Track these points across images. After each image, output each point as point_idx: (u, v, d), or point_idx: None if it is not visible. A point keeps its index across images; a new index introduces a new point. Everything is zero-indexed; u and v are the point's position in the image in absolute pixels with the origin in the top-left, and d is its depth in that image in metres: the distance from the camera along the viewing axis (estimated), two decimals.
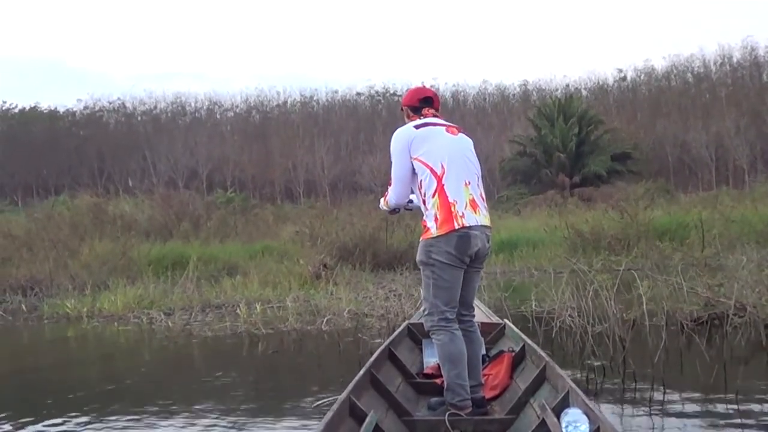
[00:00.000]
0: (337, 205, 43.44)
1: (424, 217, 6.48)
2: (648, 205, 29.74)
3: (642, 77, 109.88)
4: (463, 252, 6.33)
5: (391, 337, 8.64)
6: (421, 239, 6.52)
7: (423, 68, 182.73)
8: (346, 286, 19.66)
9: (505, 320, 9.52)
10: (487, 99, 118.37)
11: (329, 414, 5.45)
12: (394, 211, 7.11)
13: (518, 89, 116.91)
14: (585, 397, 5.64)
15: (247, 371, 11.80)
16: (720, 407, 7.89)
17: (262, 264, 24.91)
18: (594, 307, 10.99)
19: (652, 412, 7.76)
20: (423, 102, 6.87)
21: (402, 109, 7.02)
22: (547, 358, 6.96)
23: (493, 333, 9.02)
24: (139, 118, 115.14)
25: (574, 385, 5.95)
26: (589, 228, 27.23)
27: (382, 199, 7.12)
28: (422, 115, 6.75)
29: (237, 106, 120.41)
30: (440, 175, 6.38)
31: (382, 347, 7.99)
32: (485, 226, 6.49)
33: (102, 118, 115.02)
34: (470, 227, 6.32)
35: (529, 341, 7.97)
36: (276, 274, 22.44)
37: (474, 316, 6.86)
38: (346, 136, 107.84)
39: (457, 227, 6.28)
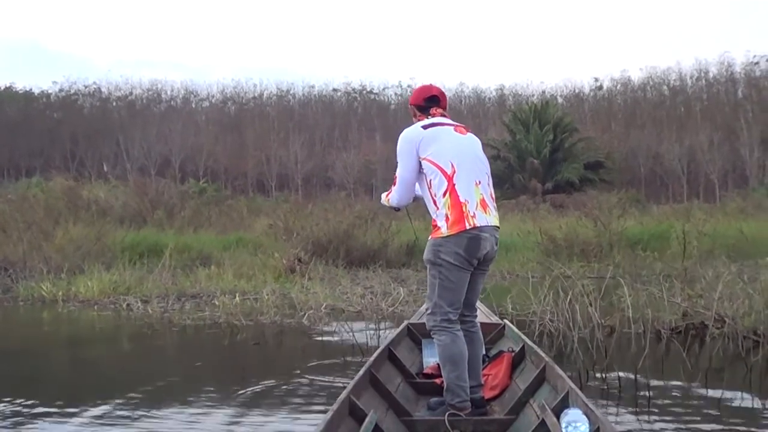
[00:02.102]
0: (310, 200, 43.34)
1: (434, 216, 6.42)
2: (621, 215, 29.84)
3: (618, 87, 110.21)
4: (472, 254, 6.30)
5: (390, 337, 8.63)
6: (430, 238, 6.46)
7: (400, 67, 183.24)
8: (321, 282, 19.68)
9: (505, 320, 9.54)
10: (463, 101, 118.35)
11: (329, 413, 5.45)
12: (396, 208, 7.07)
13: (494, 93, 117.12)
14: (585, 398, 5.66)
15: (228, 361, 11.86)
16: (703, 415, 7.97)
17: (236, 256, 24.97)
18: (573, 312, 11.10)
19: (639, 417, 7.85)
20: (429, 101, 6.75)
21: (410, 108, 6.91)
22: (547, 359, 6.96)
23: (493, 333, 9.00)
24: (114, 104, 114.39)
25: (573, 386, 5.97)
26: (562, 234, 27.37)
27: (384, 195, 7.07)
28: (430, 115, 6.68)
29: (213, 96, 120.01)
30: (450, 174, 6.32)
31: (381, 347, 7.98)
32: (495, 227, 6.47)
33: (77, 102, 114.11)
34: (481, 228, 6.29)
35: (528, 341, 7.98)
36: (250, 266, 22.50)
37: (476, 317, 6.86)
38: (320, 132, 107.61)
39: (468, 227, 6.24)
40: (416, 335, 9.10)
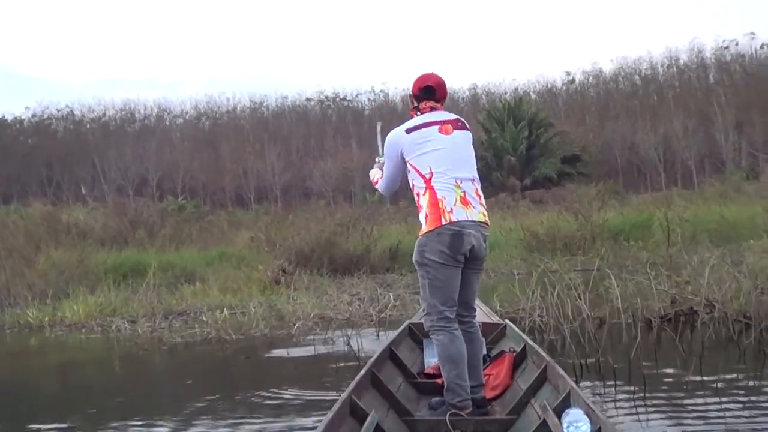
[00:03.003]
0: (290, 211, 43.27)
1: (419, 216, 6.51)
2: (601, 207, 29.92)
3: (590, 80, 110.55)
4: (456, 250, 6.29)
5: (392, 337, 8.64)
6: (417, 240, 6.52)
7: (373, 73, 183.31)
8: (307, 291, 19.65)
9: (506, 320, 9.52)
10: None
11: (330, 414, 5.46)
12: None
13: (467, 93, 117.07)
14: (586, 398, 5.66)
15: (222, 377, 11.82)
16: (700, 400, 8.01)
17: (220, 270, 24.90)
18: (562, 306, 11.12)
19: (636, 406, 7.87)
20: (424, 92, 6.73)
21: (409, 96, 6.97)
22: (548, 359, 6.95)
23: (494, 333, 8.98)
24: (87, 126, 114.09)
25: (575, 386, 5.97)
26: (544, 230, 27.42)
27: (374, 174, 7.32)
28: (419, 110, 6.70)
29: (186, 113, 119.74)
30: (428, 177, 6.37)
31: (383, 347, 7.99)
32: (479, 223, 6.41)
33: (50, 126, 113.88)
34: (460, 224, 6.28)
35: (530, 341, 7.97)
36: (235, 280, 22.44)
37: (475, 317, 6.82)
38: (296, 142, 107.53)
39: (444, 223, 6.25)
40: (417, 335, 9.08)
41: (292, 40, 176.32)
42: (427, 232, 6.36)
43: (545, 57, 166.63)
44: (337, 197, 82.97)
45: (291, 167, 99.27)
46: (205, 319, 16.35)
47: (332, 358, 11.84)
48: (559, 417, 5.44)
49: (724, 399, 8.00)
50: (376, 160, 7.37)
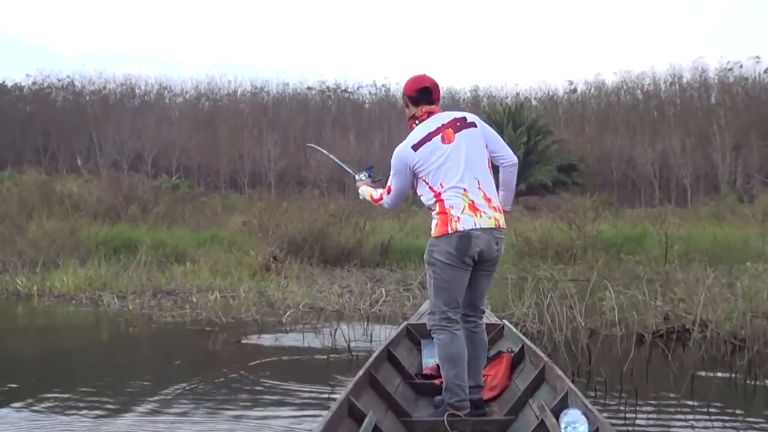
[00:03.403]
0: (284, 198, 43.21)
1: (430, 217, 6.50)
2: (595, 218, 29.98)
3: (592, 91, 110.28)
4: (463, 252, 6.25)
5: (390, 338, 8.62)
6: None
7: (375, 67, 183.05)
8: (297, 280, 19.62)
9: (504, 321, 9.51)
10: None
11: (328, 414, 5.45)
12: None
13: (469, 94, 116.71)
14: (584, 398, 5.67)
15: (208, 360, 11.78)
16: (690, 417, 8.02)
17: (211, 252, 24.92)
18: (556, 315, 11.12)
19: (626, 420, 7.86)
20: (421, 93, 6.61)
21: (403, 99, 6.77)
22: (546, 359, 6.97)
23: (492, 333, 8.83)
24: (87, 98, 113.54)
25: (573, 386, 5.98)
26: (537, 237, 27.44)
27: (366, 192, 7.19)
28: (417, 118, 6.60)
29: (187, 92, 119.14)
30: (438, 192, 6.35)
31: (381, 348, 7.97)
32: (490, 229, 6.36)
33: (50, 95, 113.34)
34: (467, 231, 6.26)
35: (528, 342, 7.99)
36: (225, 263, 22.48)
37: (481, 317, 6.82)
38: (294, 130, 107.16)
39: (450, 231, 6.25)
40: (415, 336, 9.06)
41: (297, 28, 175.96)
42: (435, 236, 6.36)
43: (549, 64, 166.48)
44: (331, 188, 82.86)
45: (287, 154, 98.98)
46: (195, 300, 16.35)
47: (322, 350, 11.85)
48: (557, 417, 5.45)
49: (713, 418, 8.00)
50: (357, 178, 7.37)
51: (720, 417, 8.09)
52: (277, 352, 11.97)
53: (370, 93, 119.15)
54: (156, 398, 8.88)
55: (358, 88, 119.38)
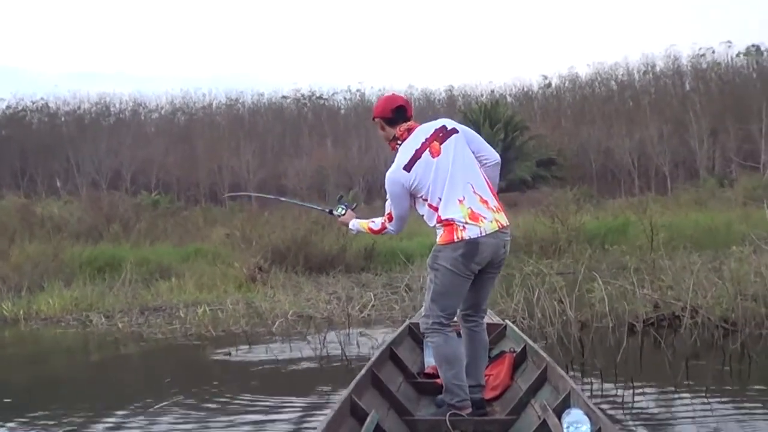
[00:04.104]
0: (265, 208, 43.13)
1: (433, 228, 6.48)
2: (577, 210, 30.02)
3: (566, 84, 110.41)
4: (470, 259, 6.23)
5: (392, 337, 8.63)
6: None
7: (349, 72, 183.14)
8: (284, 289, 19.63)
9: (507, 321, 9.50)
10: (413, 104, 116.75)
11: (330, 413, 5.46)
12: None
13: (444, 94, 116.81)
14: (586, 398, 5.67)
15: (200, 374, 11.75)
16: (688, 403, 8.05)
17: (195, 266, 24.85)
18: (546, 309, 11.13)
19: (624, 410, 7.87)
20: (396, 113, 6.59)
21: (376, 121, 6.71)
22: (548, 359, 6.96)
23: (494, 333, 8.90)
24: (62, 119, 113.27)
25: (575, 386, 5.97)
26: (520, 232, 27.41)
27: (361, 225, 7.11)
28: (398, 138, 6.57)
29: (162, 108, 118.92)
30: (436, 206, 6.30)
31: (383, 347, 7.99)
32: (495, 232, 6.33)
33: (25, 118, 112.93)
34: (474, 240, 6.24)
35: (530, 342, 7.98)
36: (210, 276, 22.44)
37: (483, 318, 6.83)
38: (272, 139, 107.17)
39: (456, 240, 6.22)
40: (417, 335, 9.00)
41: (269, 38, 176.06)
42: (441, 243, 6.33)
43: (522, 60, 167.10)
44: (311, 196, 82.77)
45: (266, 165, 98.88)
46: (182, 315, 16.33)
47: (314, 358, 11.83)
48: (559, 417, 5.44)
49: (713, 401, 8.04)
50: (335, 214, 7.32)
51: (716, 401, 8.11)
52: (269, 363, 11.95)
53: (345, 99, 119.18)
54: (149, 415, 8.87)
55: (333, 95, 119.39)
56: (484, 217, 6.32)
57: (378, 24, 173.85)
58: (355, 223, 7.15)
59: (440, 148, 6.44)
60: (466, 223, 6.24)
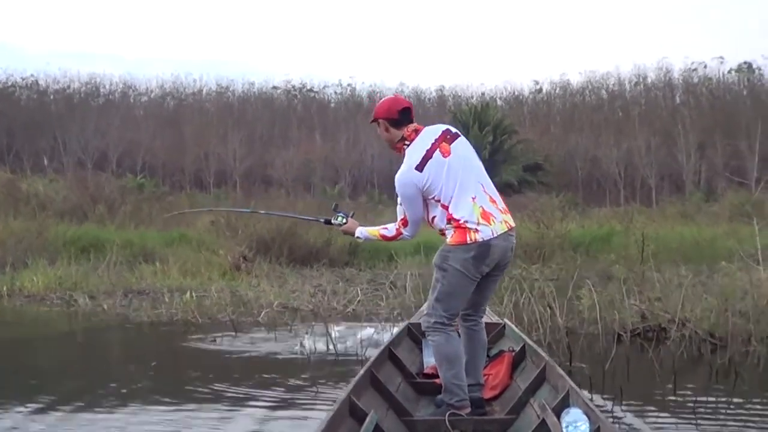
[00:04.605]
0: (251, 198, 43.15)
1: (439, 230, 6.40)
2: (563, 217, 30.07)
3: (557, 90, 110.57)
4: (481, 261, 6.22)
5: (391, 337, 8.60)
6: (443, 243, 6.40)
7: (341, 66, 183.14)
8: (268, 279, 19.63)
9: (505, 320, 9.48)
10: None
11: (330, 413, 5.44)
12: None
13: (434, 94, 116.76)
14: (585, 398, 5.68)
15: (185, 360, 11.71)
16: (674, 414, 8.07)
17: (179, 252, 24.84)
18: (533, 314, 11.14)
19: (613, 421, 7.86)
20: (402, 114, 6.48)
21: (377, 122, 6.58)
22: (548, 358, 6.97)
23: (493, 333, 8.84)
24: (51, 97, 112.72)
25: (574, 386, 5.97)
26: None
27: (373, 232, 6.84)
28: (406, 139, 6.45)
29: (152, 92, 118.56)
30: (447, 205, 6.22)
31: (382, 347, 7.94)
32: (504, 233, 6.33)
33: (14, 94, 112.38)
34: (486, 242, 6.21)
35: (529, 341, 7.98)
36: (194, 262, 22.42)
37: (482, 317, 6.83)
38: (260, 129, 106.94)
39: (469, 242, 6.17)
40: (416, 335, 9.00)
41: (263, 28, 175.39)
42: (453, 244, 6.25)
43: (514, 64, 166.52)
44: (296, 188, 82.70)
45: (253, 154, 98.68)
46: (167, 300, 16.33)
47: (300, 351, 11.77)
48: (559, 416, 5.43)
49: (700, 415, 8.06)
50: (337, 223, 6.99)
51: (704, 415, 8.12)
52: (255, 353, 12.00)
53: (335, 93, 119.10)
54: (130, 399, 8.87)
55: (323, 88, 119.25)
56: (495, 217, 6.32)
57: (372, 20, 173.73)
58: (363, 231, 6.89)
59: (450, 149, 6.41)
60: (478, 223, 6.20)
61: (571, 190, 74.63)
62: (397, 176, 6.35)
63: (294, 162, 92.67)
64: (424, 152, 6.34)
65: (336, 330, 12.94)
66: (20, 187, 35.76)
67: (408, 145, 6.44)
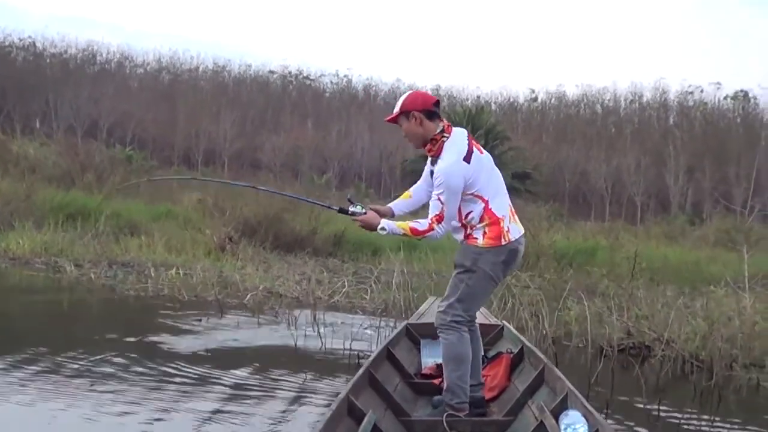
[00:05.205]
0: (239, 179, 43.05)
1: (468, 230, 6.35)
2: (549, 228, 30.09)
3: (552, 101, 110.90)
4: (509, 266, 6.37)
5: (389, 338, 8.59)
6: (465, 243, 6.35)
7: (338, 57, 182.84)
8: (252, 263, 19.60)
9: (504, 322, 9.52)
10: (399, 97, 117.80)
11: (328, 413, 5.46)
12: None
13: (430, 92, 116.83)
14: (584, 400, 5.72)
15: (169, 337, 11.66)
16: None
17: (165, 227, 24.83)
18: (521, 320, 11.17)
19: None
20: (437, 106, 6.40)
21: (406, 116, 6.39)
22: (546, 360, 7.03)
23: (492, 334, 8.91)
24: (47, 60, 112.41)
25: (572, 388, 6.03)
26: None
27: (403, 226, 6.40)
28: (445, 131, 6.31)
29: (148, 64, 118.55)
30: (488, 200, 6.23)
31: (380, 347, 7.97)
32: (522, 234, 6.45)
33: (10, 54, 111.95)
34: (517, 240, 6.33)
35: (527, 343, 8.03)
36: (180, 239, 22.42)
37: (476, 317, 6.77)
38: (253, 112, 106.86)
39: (504, 243, 6.22)
40: (415, 336, 9.02)
41: (264, 12, 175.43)
42: (485, 246, 6.26)
43: (511, 71, 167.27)
44: (284, 173, 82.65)
45: (244, 136, 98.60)
46: (153, 274, 16.31)
47: (285, 337, 11.72)
48: (557, 419, 5.50)
49: (683, 430, 8.10)
50: (356, 213, 6.51)
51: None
52: (241, 336, 11.92)
53: (331, 82, 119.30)
54: (114, 378, 8.83)
55: (320, 76, 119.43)
56: (517, 219, 6.47)
57: (372, 14, 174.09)
58: (391, 224, 6.44)
59: (480, 147, 6.47)
60: (510, 221, 6.32)
61: (558, 201, 74.92)
62: (443, 167, 6.19)
63: (284, 148, 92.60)
64: (468, 144, 6.33)
65: (323, 318, 12.92)
66: (10, 148, 35.61)
67: (447, 138, 6.34)
